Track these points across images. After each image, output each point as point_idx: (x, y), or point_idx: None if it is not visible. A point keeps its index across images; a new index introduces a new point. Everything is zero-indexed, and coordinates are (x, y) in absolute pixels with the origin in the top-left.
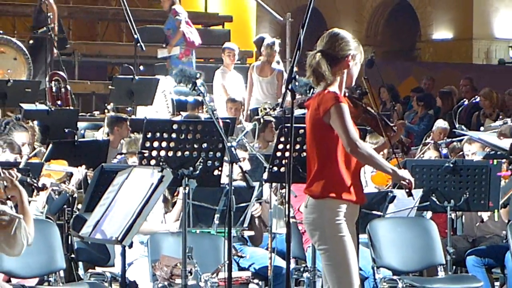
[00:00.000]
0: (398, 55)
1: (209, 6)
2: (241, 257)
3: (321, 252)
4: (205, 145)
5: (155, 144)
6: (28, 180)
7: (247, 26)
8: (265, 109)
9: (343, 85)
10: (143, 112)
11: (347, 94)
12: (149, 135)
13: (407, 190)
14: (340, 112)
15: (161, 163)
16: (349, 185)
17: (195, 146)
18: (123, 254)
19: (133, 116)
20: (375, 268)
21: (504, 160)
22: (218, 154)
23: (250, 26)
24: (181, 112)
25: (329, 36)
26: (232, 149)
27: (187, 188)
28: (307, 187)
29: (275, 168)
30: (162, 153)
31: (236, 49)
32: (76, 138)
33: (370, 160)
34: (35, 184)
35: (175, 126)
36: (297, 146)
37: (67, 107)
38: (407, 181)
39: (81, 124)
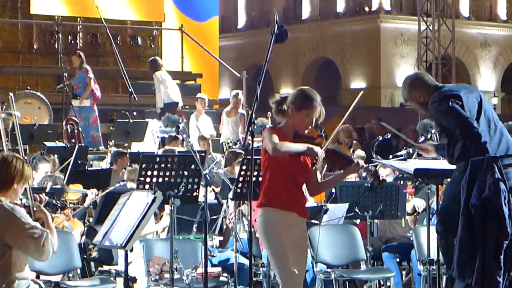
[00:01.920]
0: (325, 100)
1: (185, 66)
2: (214, 256)
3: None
4: (186, 172)
5: (149, 172)
6: (54, 201)
7: (214, 80)
8: (228, 143)
9: (289, 127)
10: (136, 147)
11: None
12: (144, 166)
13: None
14: (265, 134)
15: (153, 187)
16: (284, 197)
17: (179, 173)
18: (126, 256)
19: (129, 150)
20: (314, 263)
21: (409, 182)
22: (196, 180)
23: (216, 80)
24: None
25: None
26: (207, 176)
27: (173, 205)
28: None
29: (238, 189)
30: (154, 179)
31: (206, 98)
32: (86, 168)
33: (287, 148)
34: (58, 205)
35: (164, 159)
36: (255, 173)
37: (80, 144)
38: (318, 153)
39: (90, 157)
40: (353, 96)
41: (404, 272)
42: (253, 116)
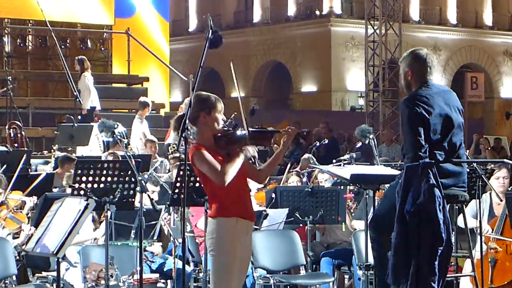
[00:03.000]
0: (276, 104)
1: (134, 69)
2: (152, 262)
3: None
4: (121, 178)
5: (84, 178)
6: None
7: (163, 83)
8: (173, 146)
9: (208, 137)
10: (80, 151)
11: (218, 135)
12: (79, 172)
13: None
14: (199, 157)
15: (88, 193)
16: (232, 204)
17: (115, 179)
18: (58, 263)
19: (74, 155)
20: (253, 268)
21: (349, 186)
22: (132, 186)
23: (165, 84)
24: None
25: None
26: (142, 182)
27: (108, 211)
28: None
29: (176, 195)
30: (89, 185)
31: (151, 103)
32: (28, 172)
33: (232, 173)
34: None
35: (99, 165)
36: (192, 178)
37: (23, 148)
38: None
39: (34, 161)
40: (304, 100)
41: (347, 277)
42: (187, 121)
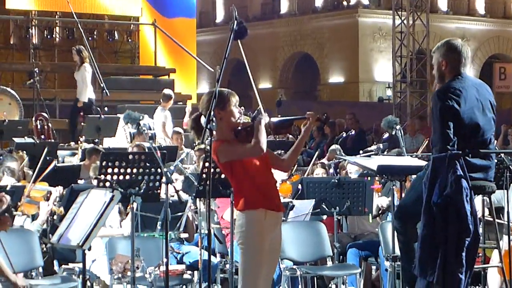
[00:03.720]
0: (303, 95)
1: (160, 61)
2: (179, 253)
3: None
4: (147, 170)
5: (109, 170)
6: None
7: (190, 75)
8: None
9: (227, 132)
10: (107, 143)
11: (237, 129)
12: (104, 164)
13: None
14: (224, 150)
15: (113, 185)
16: (258, 196)
17: (140, 171)
18: (83, 256)
19: (100, 146)
20: (280, 259)
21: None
22: (158, 177)
23: (192, 75)
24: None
25: (205, 95)
26: (168, 173)
27: (134, 203)
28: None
29: (201, 187)
30: (115, 177)
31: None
32: (55, 164)
33: (263, 141)
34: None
35: (124, 157)
36: (218, 170)
37: (49, 140)
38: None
39: (61, 153)
40: (331, 91)
41: (374, 268)
42: (212, 113)
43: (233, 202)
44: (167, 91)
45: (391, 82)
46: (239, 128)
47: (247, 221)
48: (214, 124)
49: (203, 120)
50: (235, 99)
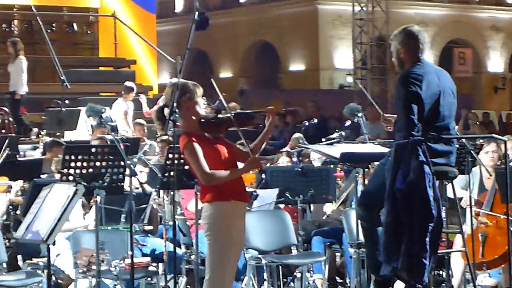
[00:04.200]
0: (264, 84)
1: (121, 52)
2: (143, 245)
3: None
4: (110, 163)
5: (72, 164)
6: None
7: (150, 66)
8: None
9: (193, 123)
10: (69, 136)
11: (202, 120)
12: (67, 157)
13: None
14: (190, 152)
15: (76, 179)
16: (226, 187)
17: (103, 164)
18: (48, 250)
19: (62, 139)
20: (244, 249)
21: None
22: (121, 170)
23: (153, 66)
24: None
25: (168, 87)
26: (131, 166)
27: (98, 196)
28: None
29: (165, 178)
30: (78, 171)
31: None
32: (16, 158)
33: (224, 178)
34: None
35: (87, 150)
36: (182, 161)
37: (10, 134)
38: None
39: (22, 147)
40: (292, 79)
41: (338, 255)
42: (174, 105)
43: (199, 193)
44: (128, 83)
45: (352, 69)
46: (204, 120)
47: (216, 212)
48: (177, 115)
49: (166, 111)
50: (199, 91)
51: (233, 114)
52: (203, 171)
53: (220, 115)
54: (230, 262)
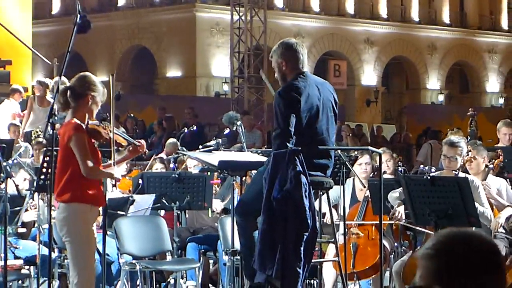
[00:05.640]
0: (140, 89)
1: None
2: (16, 248)
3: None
4: None
5: None
6: None
7: (25, 67)
8: (36, 132)
9: (86, 117)
10: None
11: (90, 122)
12: None
13: None
14: (79, 141)
15: None
16: (91, 192)
17: None
18: None
19: None
20: (119, 254)
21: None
22: None
23: (28, 67)
24: None
25: (80, 76)
26: (7, 167)
27: None
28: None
29: (41, 181)
30: None
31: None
32: None
33: (99, 175)
34: None
35: None
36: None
37: None
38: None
39: None
40: (168, 85)
41: (212, 262)
42: (53, 107)
43: (54, 191)
44: (15, 86)
45: (229, 77)
46: (88, 127)
47: (73, 214)
48: (56, 118)
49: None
50: (105, 94)
51: (88, 127)
52: (89, 162)
53: (102, 127)
54: (93, 263)
